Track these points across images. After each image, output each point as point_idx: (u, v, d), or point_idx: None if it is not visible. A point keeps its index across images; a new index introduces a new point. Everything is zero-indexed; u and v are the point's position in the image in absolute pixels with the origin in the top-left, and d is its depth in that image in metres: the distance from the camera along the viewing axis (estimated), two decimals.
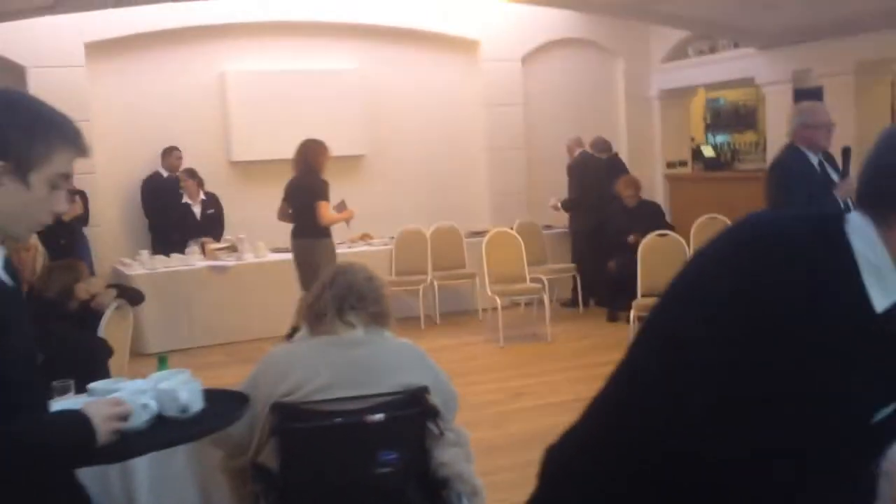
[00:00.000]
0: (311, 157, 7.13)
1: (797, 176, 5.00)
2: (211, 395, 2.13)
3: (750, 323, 1.16)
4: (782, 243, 1.21)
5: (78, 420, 1.67)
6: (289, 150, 9.41)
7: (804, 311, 1.16)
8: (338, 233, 9.41)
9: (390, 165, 9.92)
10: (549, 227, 9.85)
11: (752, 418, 1.17)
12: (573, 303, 9.31)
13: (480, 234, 9.07)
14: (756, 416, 1.17)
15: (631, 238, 8.28)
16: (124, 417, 1.77)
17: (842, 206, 4.88)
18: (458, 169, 10.39)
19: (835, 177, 5.02)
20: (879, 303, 1.20)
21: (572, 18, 10.33)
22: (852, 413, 1.19)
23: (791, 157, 5.18)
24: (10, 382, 1.58)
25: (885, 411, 1.20)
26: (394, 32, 9.86)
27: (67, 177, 1.69)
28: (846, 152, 5.03)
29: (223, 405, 2.19)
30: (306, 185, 7.08)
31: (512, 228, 8.76)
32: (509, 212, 9.93)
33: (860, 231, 1.23)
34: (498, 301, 7.92)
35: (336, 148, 9.71)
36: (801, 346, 1.15)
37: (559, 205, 9.45)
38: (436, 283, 9.02)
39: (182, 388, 2.02)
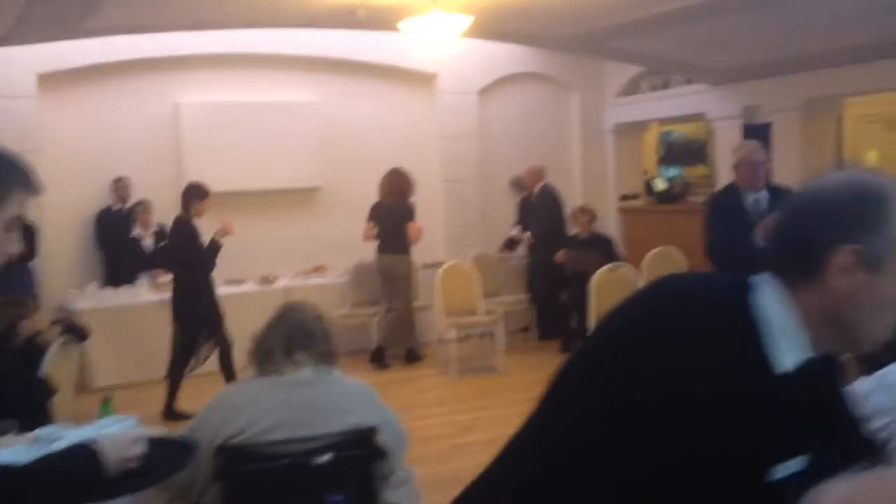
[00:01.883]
0: (402, 184, 8.50)
1: (720, 214, 5.26)
2: (156, 444, 2.09)
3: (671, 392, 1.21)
4: (691, 310, 1.30)
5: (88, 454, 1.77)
6: (244, 182, 9.43)
7: (706, 376, 1.21)
8: (293, 264, 9.42)
9: (347, 197, 9.90)
10: (504, 258, 9.88)
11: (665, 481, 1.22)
12: (544, 335, 9.29)
13: (435, 265, 9.07)
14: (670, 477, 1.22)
15: (560, 255, 8.59)
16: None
17: (758, 245, 4.98)
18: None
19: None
20: (785, 363, 1.26)
21: (528, 53, 10.45)
22: (747, 473, 1.23)
23: (722, 194, 5.45)
24: None
25: (787, 468, 1.24)
26: (352, 66, 9.89)
27: (20, 218, 1.69)
28: (775, 191, 5.18)
29: (169, 454, 2.15)
30: (398, 208, 8.42)
31: (467, 259, 8.79)
32: (464, 243, 9.96)
33: (768, 294, 1.29)
34: (454, 333, 7.93)
35: (292, 180, 9.76)
36: (703, 409, 1.21)
37: (526, 237, 9.42)
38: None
39: None
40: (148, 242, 8.62)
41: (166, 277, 8.36)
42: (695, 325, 1.25)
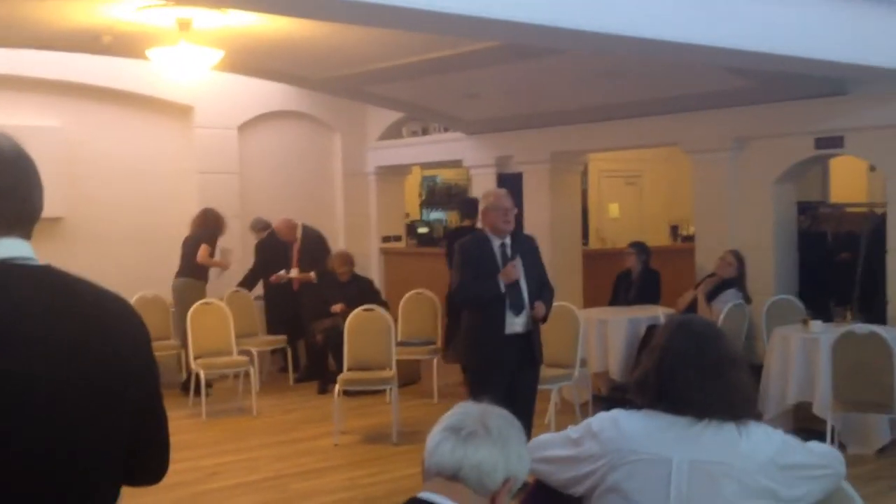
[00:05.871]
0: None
1: (466, 257, 5.36)
2: None
3: None
4: None
5: None
6: None
7: None
8: None
9: (94, 229, 9.38)
10: (260, 297, 9.65)
11: None
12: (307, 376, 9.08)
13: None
14: None
15: (337, 307, 8.35)
16: None
17: (503, 289, 5.23)
18: (170, 235, 9.92)
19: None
20: None
21: (290, 91, 10.38)
22: None
23: (470, 239, 5.57)
24: None
25: None
26: (101, 92, 9.43)
27: None
28: (519, 238, 5.44)
29: None
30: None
31: (222, 299, 8.53)
32: (222, 281, 9.64)
33: None
34: (202, 374, 7.65)
35: None
36: None
37: (311, 275, 9.06)
38: None
39: None
40: None
41: None
42: None
